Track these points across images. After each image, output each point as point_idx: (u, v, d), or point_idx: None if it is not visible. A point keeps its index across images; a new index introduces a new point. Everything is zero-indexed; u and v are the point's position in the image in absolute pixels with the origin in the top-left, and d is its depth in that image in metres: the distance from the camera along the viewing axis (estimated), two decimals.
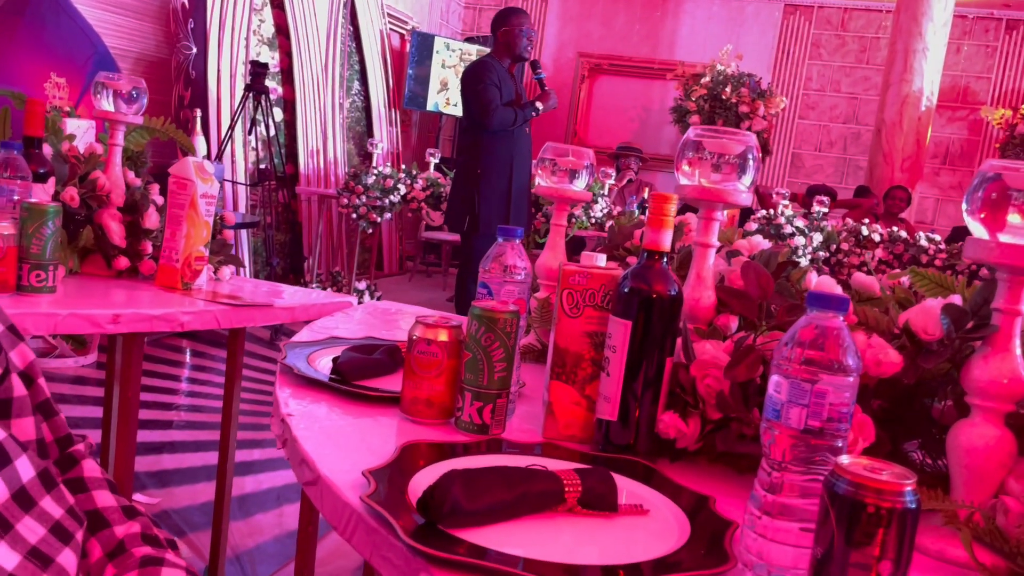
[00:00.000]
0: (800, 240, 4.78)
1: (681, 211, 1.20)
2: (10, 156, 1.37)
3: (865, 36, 8.34)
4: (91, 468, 0.73)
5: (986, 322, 0.80)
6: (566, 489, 0.76)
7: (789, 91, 8.43)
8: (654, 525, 0.77)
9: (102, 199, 1.57)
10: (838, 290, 0.91)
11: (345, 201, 5.37)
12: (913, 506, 0.55)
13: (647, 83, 8.69)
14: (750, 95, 6.91)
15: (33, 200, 1.36)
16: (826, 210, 5.18)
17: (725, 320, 1.02)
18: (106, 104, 1.60)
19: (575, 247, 6.17)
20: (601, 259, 1.01)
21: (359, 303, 5.42)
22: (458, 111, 7.97)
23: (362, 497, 0.72)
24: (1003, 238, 0.74)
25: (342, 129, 6.66)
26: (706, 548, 0.71)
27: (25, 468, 0.61)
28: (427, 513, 0.69)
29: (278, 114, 5.95)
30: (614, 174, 6.07)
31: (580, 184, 1.36)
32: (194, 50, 5.14)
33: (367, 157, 6.79)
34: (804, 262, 4.75)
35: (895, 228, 5.17)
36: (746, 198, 1.01)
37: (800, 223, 4.88)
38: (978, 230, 0.76)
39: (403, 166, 6.18)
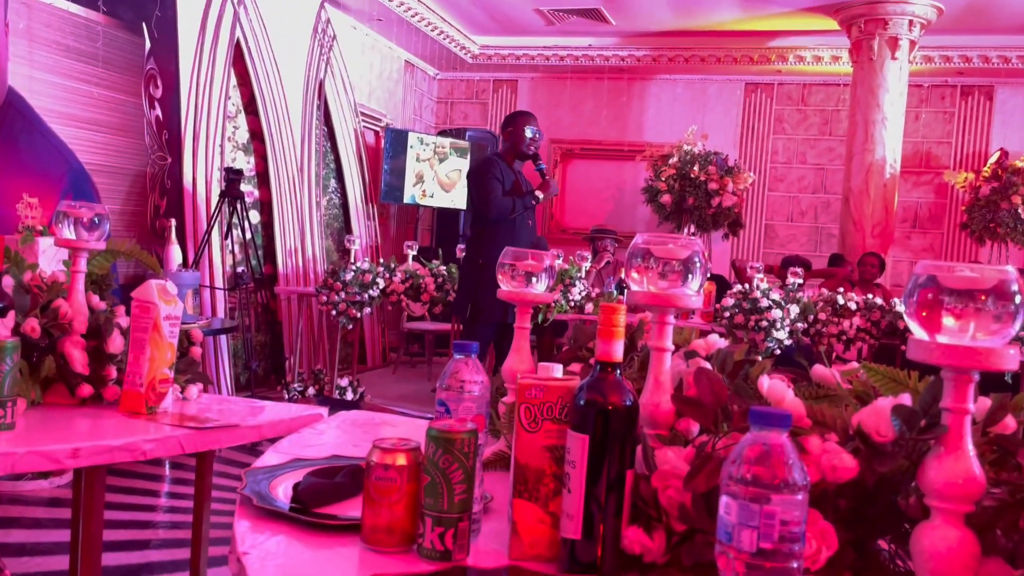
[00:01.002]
0: (777, 313, 4.81)
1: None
2: None
3: (826, 109, 8.59)
4: None
5: (937, 420, 0.80)
6: None
7: (756, 165, 8.62)
8: None
9: (64, 327, 1.57)
10: (789, 395, 0.91)
11: (324, 298, 5.38)
12: None
13: (618, 165, 8.87)
14: (718, 172, 7.05)
15: None
16: (801, 281, 5.23)
17: (686, 424, 1.01)
18: (67, 232, 1.61)
19: (556, 330, 6.17)
20: (558, 370, 1.01)
21: (342, 399, 5.32)
22: (435, 202, 8.09)
23: None
24: (941, 339, 0.74)
25: (320, 227, 6.72)
26: None
27: None
28: None
29: (255, 216, 6.01)
30: (590, 256, 6.13)
31: (541, 287, 1.36)
32: (169, 160, 5.21)
33: (346, 253, 6.84)
34: (783, 334, 4.77)
35: (871, 295, 5.22)
36: (696, 301, 1.02)
37: (776, 296, 4.92)
38: (917, 331, 0.77)
39: (381, 259, 6.22)
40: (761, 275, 5.12)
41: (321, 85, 6.79)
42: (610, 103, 9.00)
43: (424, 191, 7.95)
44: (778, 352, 4.81)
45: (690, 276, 1.00)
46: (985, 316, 0.72)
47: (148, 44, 5.09)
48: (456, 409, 1.02)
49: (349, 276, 5.39)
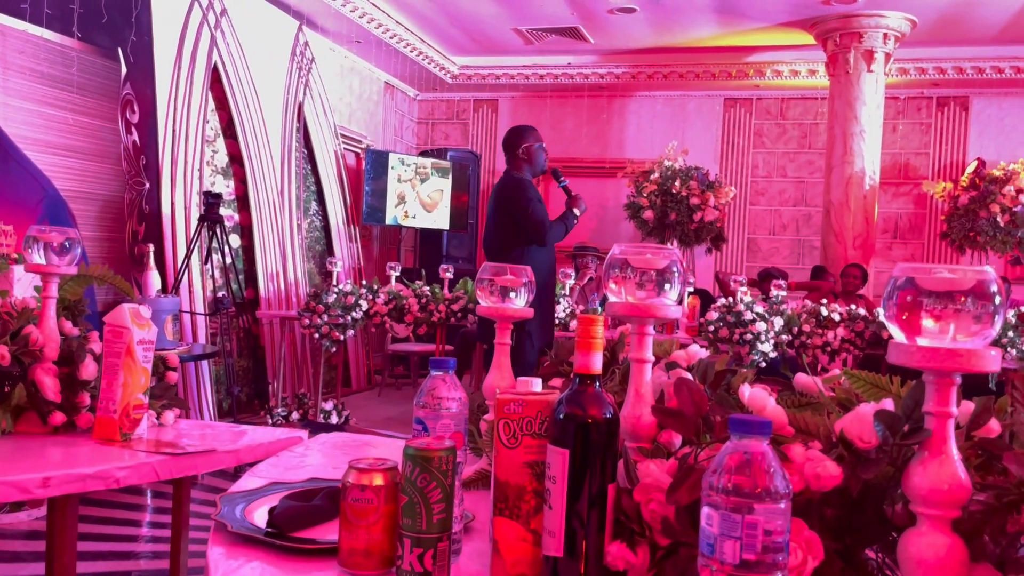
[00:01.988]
0: (762, 325, 4.81)
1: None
2: None
3: (804, 122, 8.67)
4: None
5: (920, 425, 0.78)
6: None
7: (737, 179, 8.67)
8: None
9: (35, 354, 1.53)
10: (770, 403, 0.90)
11: (307, 321, 5.34)
12: None
13: (600, 182, 8.90)
14: (699, 187, 7.08)
15: None
16: (784, 293, 5.24)
17: (668, 436, 0.99)
18: (37, 257, 1.58)
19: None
20: (537, 384, 0.99)
21: (327, 423, 5.24)
22: (417, 223, 8.06)
23: None
24: (921, 341, 0.73)
25: (301, 250, 6.68)
26: None
27: None
28: None
29: (235, 240, 5.97)
30: (573, 274, 6.12)
31: (520, 302, 1.35)
32: (147, 185, 5.18)
33: (328, 276, 6.81)
34: (767, 347, 4.77)
35: (854, 306, 5.23)
36: (675, 311, 1.00)
37: (760, 308, 4.92)
38: (897, 334, 0.76)
39: (364, 281, 6.19)
40: (744, 288, 5.13)
41: (300, 108, 6.78)
42: (590, 121, 9.04)
43: (406, 212, 7.93)
44: (763, 365, 4.81)
45: (668, 286, 0.99)
46: (965, 317, 0.71)
47: (124, 69, 5.06)
48: (434, 427, 0.99)
49: (332, 299, 5.35)
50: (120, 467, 1.35)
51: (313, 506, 1.10)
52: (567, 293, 5.55)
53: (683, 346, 1.16)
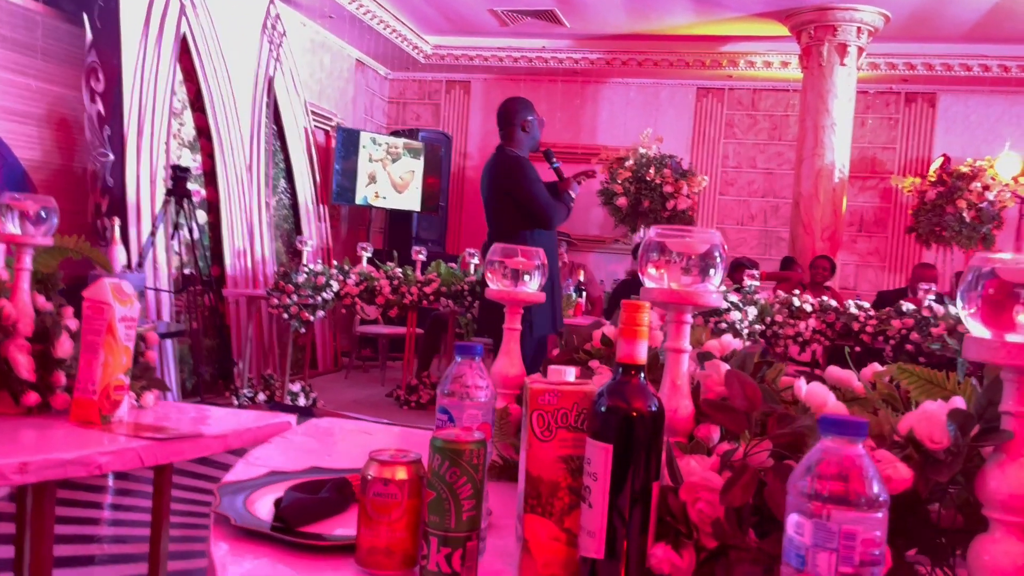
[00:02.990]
0: (736, 315, 4.81)
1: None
2: None
3: (775, 114, 8.70)
4: None
5: (993, 425, 0.74)
6: None
7: (708, 169, 8.68)
8: None
9: (8, 329, 1.43)
10: (831, 399, 0.85)
11: (275, 301, 5.22)
12: None
13: (572, 167, 8.80)
14: (673, 175, 7.07)
15: None
16: (758, 283, 5.25)
17: (706, 431, 0.94)
18: (12, 227, 1.48)
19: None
20: (571, 373, 0.93)
21: (294, 405, 5.14)
22: (388, 204, 7.94)
23: None
24: (1012, 338, 0.68)
25: (269, 228, 6.53)
26: None
27: None
28: None
29: (201, 216, 5.80)
30: None
31: (533, 285, 1.29)
32: (111, 157, 5.00)
33: (296, 255, 6.67)
34: (742, 336, 4.77)
35: (825, 297, 5.27)
36: (717, 299, 0.95)
37: (734, 298, 4.92)
38: (978, 329, 0.71)
39: (334, 262, 6.07)
40: None
41: (271, 82, 6.61)
42: (564, 105, 8.97)
43: (377, 192, 7.81)
44: None
45: (712, 271, 0.93)
46: None
47: (89, 36, 4.87)
48: (460, 417, 0.93)
49: (302, 278, 5.23)
50: (102, 452, 1.26)
51: (321, 499, 1.03)
52: None
53: (716, 334, 1.10)
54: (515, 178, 3.89)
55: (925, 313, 4.62)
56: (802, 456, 0.87)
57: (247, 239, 6.21)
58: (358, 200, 7.70)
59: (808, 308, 5.07)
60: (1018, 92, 7.94)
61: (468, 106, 9.24)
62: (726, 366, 0.95)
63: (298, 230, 7.03)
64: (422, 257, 5.60)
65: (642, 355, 0.84)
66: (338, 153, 7.53)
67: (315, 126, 7.54)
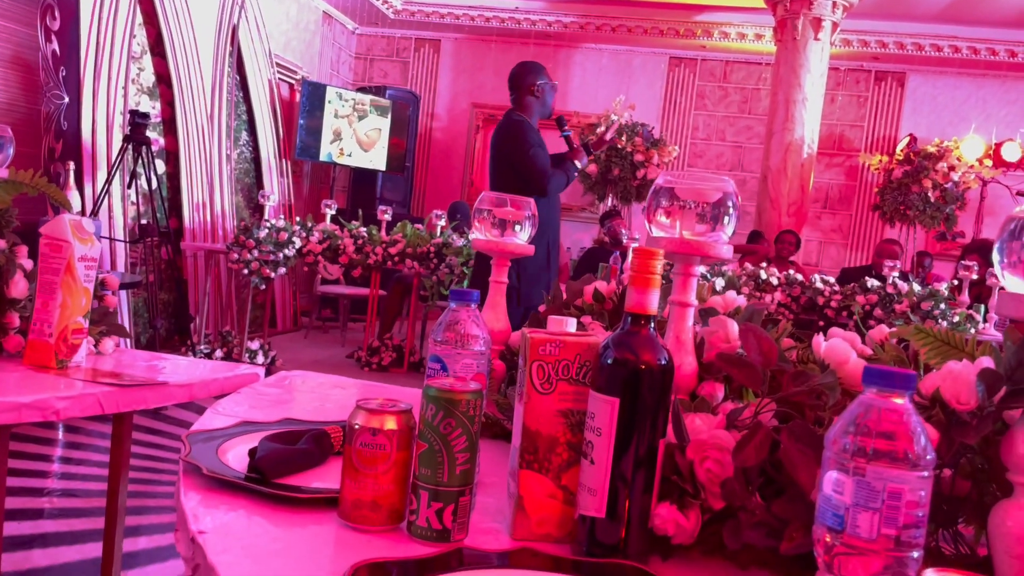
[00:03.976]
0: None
1: None
2: None
3: (746, 87, 8.68)
4: None
5: (1022, 387, 0.71)
6: None
7: (678, 140, 8.66)
8: None
9: None
10: (853, 356, 0.81)
11: (236, 256, 5.09)
12: None
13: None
14: (644, 144, 7.03)
15: None
16: None
17: (710, 389, 0.90)
18: None
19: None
20: (572, 323, 0.88)
21: (252, 362, 5.05)
22: (353, 161, 7.78)
23: None
24: None
25: (230, 181, 6.36)
26: None
27: None
28: None
29: (160, 166, 5.62)
30: None
31: (523, 236, 1.23)
32: (66, 100, 4.79)
33: (257, 210, 6.51)
34: None
35: (790, 272, 5.29)
36: (727, 251, 0.90)
37: (702, 268, 4.92)
38: (1017, 285, 0.67)
39: (297, 218, 5.93)
40: None
41: (235, 30, 6.40)
42: None
43: (342, 149, 7.64)
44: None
45: (726, 220, 0.88)
46: None
47: None
48: (454, 367, 0.87)
49: (263, 234, 5.10)
50: (60, 397, 1.18)
51: (300, 450, 0.97)
52: None
53: (715, 290, 1.06)
54: (514, 142, 3.74)
55: (890, 290, 4.67)
56: (812, 416, 0.83)
57: (207, 191, 6.04)
58: (322, 156, 7.54)
59: (774, 281, 5.09)
60: (986, 75, 8.03)
61: (437, 65, 9.07)
62: (733, 322, 0.90)
63: (259, 184, 6.86)
64: (387, 217, 5.49)
65: (653, 305, 0.79)
66: (303, 107, 7.34)
67: (280, 78, 7.34)
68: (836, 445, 0.54)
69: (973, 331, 4.22)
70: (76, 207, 3.98)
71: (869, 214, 8.14)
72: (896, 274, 4.79)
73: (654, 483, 0.79)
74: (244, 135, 6.78)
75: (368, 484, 0.80)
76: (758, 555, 0.81)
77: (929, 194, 6.87)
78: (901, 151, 7.42)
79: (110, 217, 4.96)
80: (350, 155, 7.71)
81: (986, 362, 0.73)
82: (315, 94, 7.40)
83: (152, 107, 5.65)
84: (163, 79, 5.71)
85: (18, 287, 1.40)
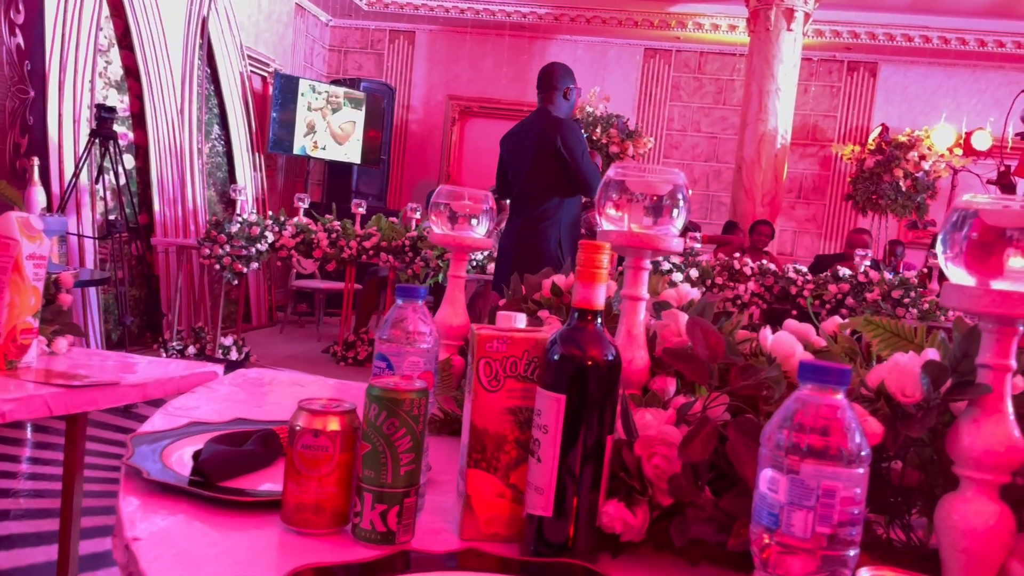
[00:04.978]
0: (678, 276, 4.82)
1: None
2: None
3: (721, 78, 8.70)
4: None
5: (967, 379, 0.70)
6: None
7: (653, 131, 8.66)
8: None
9: None
10: (799, 349, 0.80)
11: (207, 251, 5.03)
12: None
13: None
14: (619, 135, 7.02)
15: None
16: (699, 245, 5.26)
17: (662, 383, 0.89)
18: None
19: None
20: (521, 319, 0.87)
21: (226, 359, 4.98)
22: (327, 155, 7.72)
23: None
24: (997, 285, 0.64)
25: (201, 175, 6.29)
26: None
27: None
28: None
29: (129, 161, 5.54)
30: None
31: (480, 230, 1.21)
32: (31, 94, 4.71)
33: (230, 204, 6.43)
34: None
35: (764, 261, 5.31)
36: (677, 244, 0.89)
37: (676, 259, 4.93)
38: (960, 276, 0.67)
39: (270, 213, 5.88)
40: None
41: (204, 22, 6.31)
42: (510, 61, 8.82)
43: (316, 142, 7.58)
44: None
45: (675, 212, 0.87)
46: None
47: None
48: (400, 364, 0.86)
49: (235, 228, 5.05)
50: (6, 399, 1.15)
51: (245, 452, 0.95)
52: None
53: (671, 283, 1.05)
54: (579, 143, 3.79)
55: (861, 279, 4.70)
56: (764, 411, 0.82)
57: (178, 186, 5.97)
58: (296, 150, 7.47)
59: (747, 271, 5.11)
60: (956, 64, 8.09)
61: (412, 57, 9.02)
62: (685, 316, 0.89)
63: (232, 179, 6.79)
64: (362, 211, 5.46)
65: (600, 299, 0.78)
66: (275, 100, 7.26)
67: (251, 71, 7.25)
68: (770, 442, 0.53)
69: (943, 319, 4.26)
70: (42, 204, 3.90)
71: (843, 203, 8.19)
72: (868, 263, 4.82)
73: (602, 480, 0.78)
74: (216, 129, 6.70)
75: (311, 487, 0.79)
76: (709, 551, 0.80)
77: (901, 183, 6.93)
78: (873, 141, 7.47)
79: (78, 213, 4.88)
80: (324, 148, 7.65)
81: (932, 354, 0.73)
82: (288, 87, 7.33)
83: (120, 101, 5.56)
84: (131, 72, 5.63)
85: None
